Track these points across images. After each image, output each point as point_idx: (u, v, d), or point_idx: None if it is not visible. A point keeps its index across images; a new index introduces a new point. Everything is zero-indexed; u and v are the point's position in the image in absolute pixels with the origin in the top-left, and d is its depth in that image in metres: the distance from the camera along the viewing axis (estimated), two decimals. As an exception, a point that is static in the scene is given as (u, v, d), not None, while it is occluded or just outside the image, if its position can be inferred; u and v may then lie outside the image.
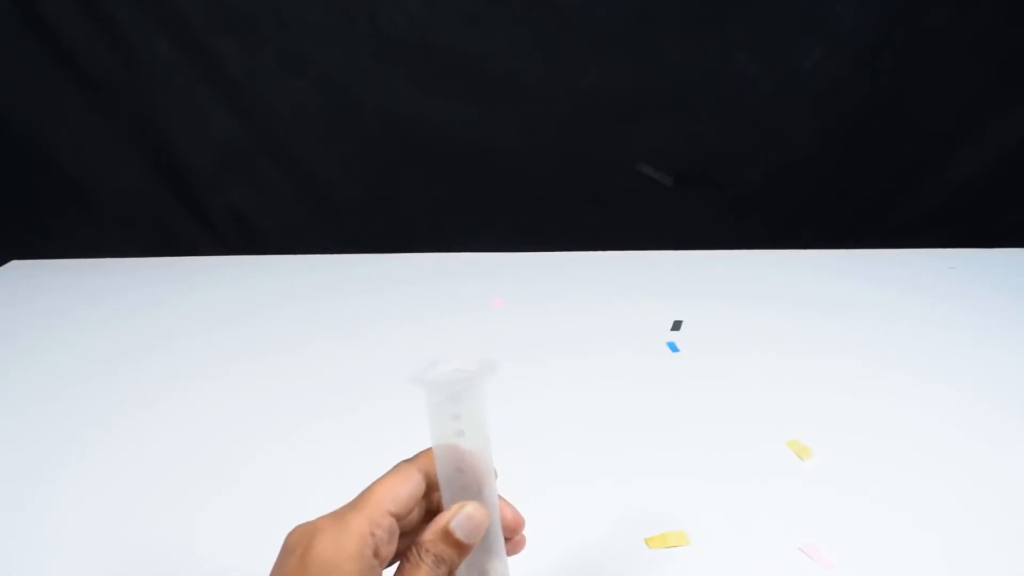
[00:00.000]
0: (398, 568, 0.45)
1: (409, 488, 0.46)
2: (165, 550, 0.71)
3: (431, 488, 0.48)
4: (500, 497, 0.49)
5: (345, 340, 1.10)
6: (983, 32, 1.63)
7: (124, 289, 1.29)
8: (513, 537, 0.50)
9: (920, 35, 1.64)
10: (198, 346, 1.09)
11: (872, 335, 1.09)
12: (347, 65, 1.63)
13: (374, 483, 0.46)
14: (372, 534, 0.43)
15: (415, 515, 0.48)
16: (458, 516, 0.45)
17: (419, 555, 0.45)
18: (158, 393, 0.97)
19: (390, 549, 0.45)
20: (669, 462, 0.82)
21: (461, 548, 0.45)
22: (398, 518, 0.45)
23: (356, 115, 1.67)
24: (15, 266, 1.41)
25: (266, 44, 1.62)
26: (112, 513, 0.76)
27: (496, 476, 0.49)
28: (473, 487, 0.47)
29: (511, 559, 0.50)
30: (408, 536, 0.47)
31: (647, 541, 0.70)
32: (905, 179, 1.78)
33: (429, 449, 0.48)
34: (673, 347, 1.06)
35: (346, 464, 0.81)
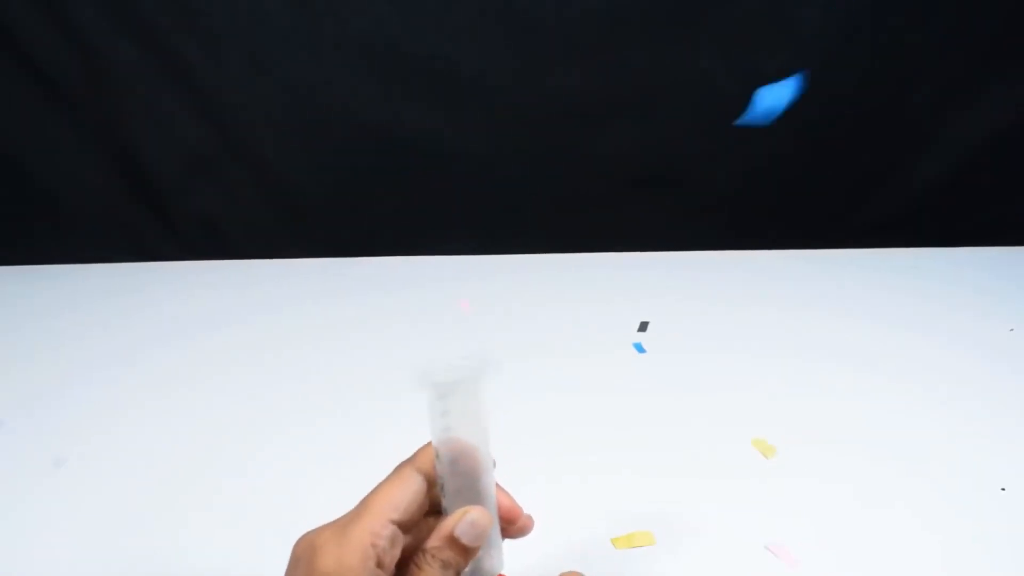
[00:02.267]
0: (407, 573, 0.46)
1: (409, 492, 0.47)
2: (153, 558, 0.70)
3: (432, 484, 0.49)
4: (498, 486, 0.50)
5: (316, 345, 1.10)
6: (946, 33, 1.65)
7: (93, 295, 1.28)
8: (512, 525, 0.51)
9: (884, 37, 1.65)
10: (171, 353, 1.08)
11: (839, 334, 1.10)
12: (315, 69, 1.62)
13: (374, 490, 0.47)
14: (374, 545, 0.44)
15: (417, 515, 0.48)
16: (462, 523, 0.46)
17: (427, 561, 0.45)
18: (133, 400, 0.96)
19: (394, 554, 0.45)
20: (635, 462, 0.82)
21: (467, 552, 0.46)
22: (400, 523, 0.46)
23: (324, 119, 1.66)
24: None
25: (233, 49, 1.60)
26: (99, 519, 0.75)
27: (495, 465, 0.49)
28: (468, 480, 0.47)
29: (518, 542, 0.51)
30: (411, 532, 0.47)
31: (613, 541, 0.70)
32: (871, 179, 1.79)
33: (427, 445, 0.49)
34: (640, 348, 1.06)
35: (331, 466, 0.82)
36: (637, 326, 1.12)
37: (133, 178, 1.70)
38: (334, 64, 1.62)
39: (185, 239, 1.76)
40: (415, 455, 0.49)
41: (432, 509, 0.50)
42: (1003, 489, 0.76)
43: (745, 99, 1.72)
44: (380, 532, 0.44)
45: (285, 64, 1.62)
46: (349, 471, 0.81)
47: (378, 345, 1.09)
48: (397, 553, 0.45)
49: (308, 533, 0.46)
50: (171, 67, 1.61)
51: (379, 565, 0.44)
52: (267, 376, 1.01)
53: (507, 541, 0.51)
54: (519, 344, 1.08)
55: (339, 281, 1.31)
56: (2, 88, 1.59)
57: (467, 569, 0.47)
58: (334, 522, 0.46)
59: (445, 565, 0.45)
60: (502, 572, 0.50)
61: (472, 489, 0.47)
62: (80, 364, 1.06)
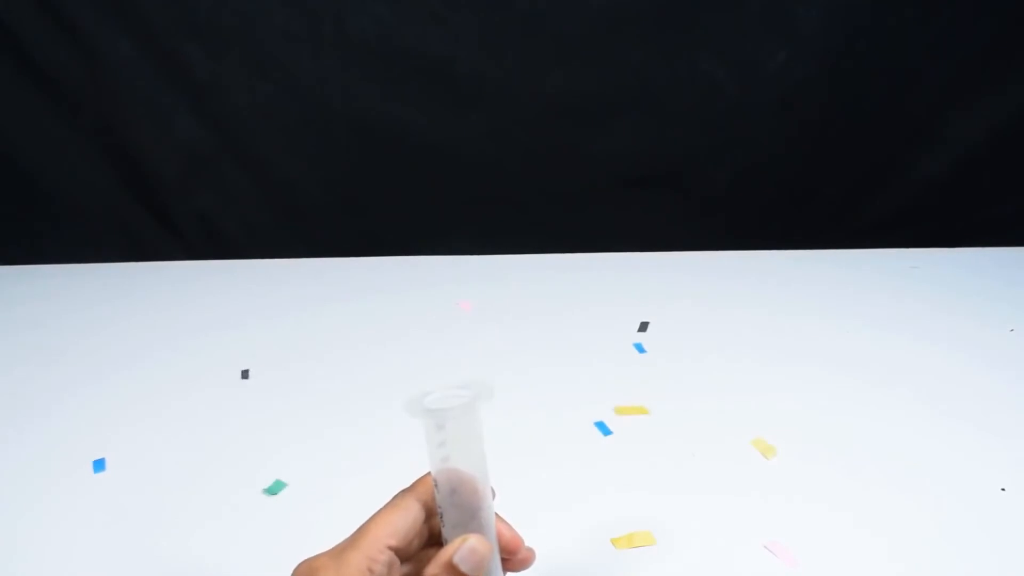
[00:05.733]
0: None
1: (408, 520, 0.47)
2: (152, 561, 0.70)
3: (431, 514, 0.49)
4: (498, 516, 0.50)
5: (315, 345, 1.10)
6: (945, 32, 1.65)
7: (93, 295, 1.28)
8: (514, 556, 0.51)
9: (883, 36, 1.65)
10: (170, 354, 1.08)
11: (838, 335, 1.09)
12: (313, 68, 1.63)
13: (372, 517, 0.47)
14: (371, 570, 0.44)
15: (415, 543, 0.48)
16: (461, 550, 0.46)
17: None
18: (132, 401, 0.96)
19: None
20: (635, 461, 0.82)
21: None
22: (398, 550, 0.46)
23: (323, 118, 1.67)
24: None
25: (232, 48, 1.60)
26: (97, 522, 0.75)
27: (494, 495, 0.49)
28: (468, 510, 0.47)
29: None
30: (409, 563, 0.47)
31: (613, 541, 0.70)
32: (871, 180, 1.79)
33: (426, 475, 0.49)
34: (640, 348, 1.06)
35: (331, 466, 0.81)
36: (637, 326, 1.12)
37: (133, 178, 1.71)
38: (334, 64, 1.63)
39: (185, 239, 1.76)
40: (414, 485, 0.49)
41: (431, 540, 0.50)
42: (1003, 489, 0.76)
43: (745, 99, 1.73)
44: (377, 557, 0.44)
45: (285, 64, 1.63)
46: (349, 471, 0.81)
47: (378, 345, 1.09)
48: None
49: (307, 559, 0.46)
50: (171, 67, 1.61)
51: None
52: (267, 376, 1.01)
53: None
54: (519, 344, 1.08)
55: (339, 281, 1.31)
56: (2, 88, 1.60)
57: None
58: (332, 549, 0.46)
59: None
60: None
61: (471, 518, 0.47)
62: (79, 364, 1.05)
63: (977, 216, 1.79)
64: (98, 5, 1.54)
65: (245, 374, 1.01)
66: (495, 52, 1.63)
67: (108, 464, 0.83)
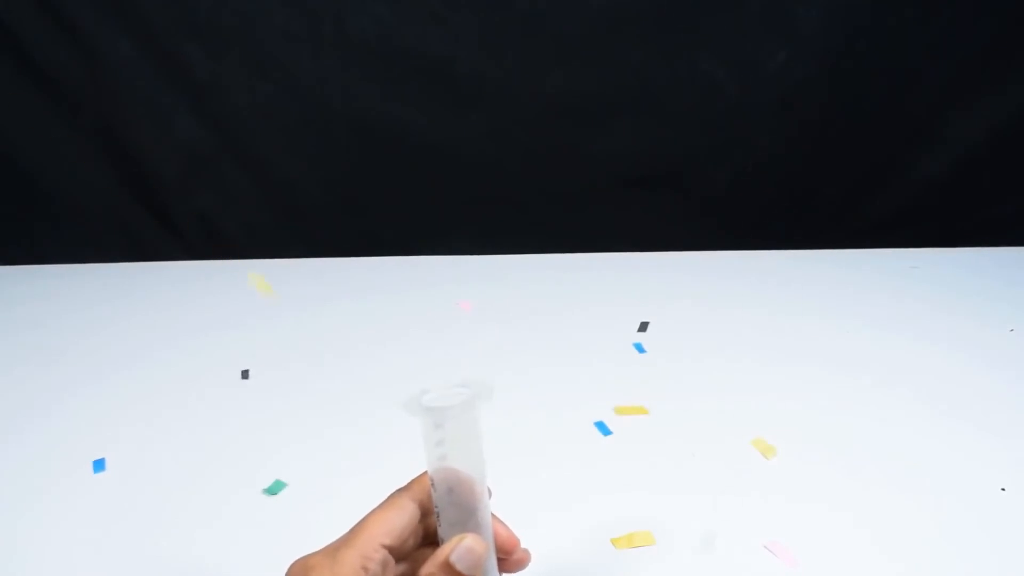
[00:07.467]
0: None
1: (403, 518, 0.47)
2: (150, 564, 0.70)
3: (426, 513, 0.48)
4: (494, 516, 0.50)
5: (315, 345, 1.10)
6: (945, 32, 1.65)
7: (93, 295, 1.27)
8: (510, 556, 0.51)
9: (883, 36, 1.65)
10: (170, 354, 1.08)
11: (838, 335, 1.09)
12: (313, 68, 1.63)
13: (367, 515, 0.47)
14: (365, 568, 0.44)
15: (411, 542, 0.48)
16: (458, 549, 0.45)
17: None
18: (132, 401, 0.96)
19: None
20: (635, 461, 0.82)
21: None
22: (392, 549, 0.46)
23: (323, 118, 1.67)
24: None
25: (232, 48, 1.60)
26: (95, 524, 0.75)
27: (491, 495, 0.49)
28: (465, 509, 0.47)
29: None
30: (405, 563, 0.47)
31: (613, 541, 0.70)
32: (871, 180, 1.79)
33: (422, 474, 0.49)
34: (640, 348, 1.06)
35: (330, 467, 0.81)
36: (637, 326, 1.12)
37: (133, 178, 1.70)
38: (334, 64, 1.63)
39: (185, 239, 1.76)
40: (410, 484, 0.49)
41: (427, 540, 0.50)
42: (1003, 489, 0.76)
43: (745, 99, 1.73)
44: (372, 556, 0.44)
45: (285, 64, 1.62)
46: (349, 471, 0.81)
47: (378, 345, 1.09)
48: None
49: (301, 557, 0.46)
50: (171, 67, 1.61)
51: None
52: (267, 376, 1.01)
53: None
54: (519, 344, 1.08)
55: (339, 281, 1.31)
56: (2, 88, 1.60)
57: None
58: (326, 547, 0.46)
59: None
60: None
61: (468, 518, 0.47)
62: (79, 364, 1.05)
63: (977, 216, 1.79)
64: (98, 5, 1.54)
65: (245, 374, 1.01)
66: (495, 52, 1.62)
67: (108, 464, 0.83)
